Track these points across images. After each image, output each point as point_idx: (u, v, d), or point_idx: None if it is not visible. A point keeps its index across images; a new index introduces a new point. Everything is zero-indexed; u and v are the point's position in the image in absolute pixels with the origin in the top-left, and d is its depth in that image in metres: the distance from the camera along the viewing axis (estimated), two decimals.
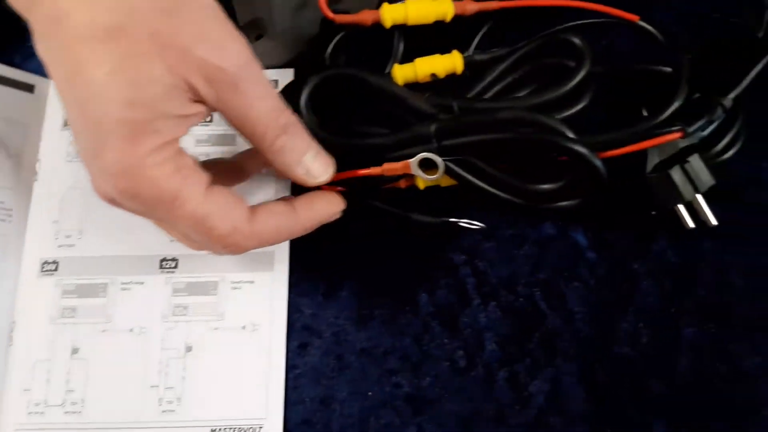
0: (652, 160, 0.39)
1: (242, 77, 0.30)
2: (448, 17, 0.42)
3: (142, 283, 0.42)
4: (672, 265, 0.41)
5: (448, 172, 0.39)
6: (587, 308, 0.41)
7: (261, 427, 0.39)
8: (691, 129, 0.38)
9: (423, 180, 0.41)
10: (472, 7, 0.42)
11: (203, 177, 0.31)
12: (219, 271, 0.42)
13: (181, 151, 0.30)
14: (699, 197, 0.39)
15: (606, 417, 0.39)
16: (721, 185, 0.40)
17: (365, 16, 0.41)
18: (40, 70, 0.48)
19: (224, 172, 0.38)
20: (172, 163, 0.29)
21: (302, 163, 0.35)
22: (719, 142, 0.41)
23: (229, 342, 0.40)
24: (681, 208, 0.40)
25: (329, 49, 0.43)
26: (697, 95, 0.40)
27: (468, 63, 0.42)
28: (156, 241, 0.42)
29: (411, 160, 0.39)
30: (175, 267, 0.42)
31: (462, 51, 0.43)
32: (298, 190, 0.43)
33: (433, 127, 0.38)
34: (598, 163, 0.37)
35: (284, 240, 0.36)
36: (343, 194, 0.42)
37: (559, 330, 0.40)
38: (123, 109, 0.28)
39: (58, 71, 0.29)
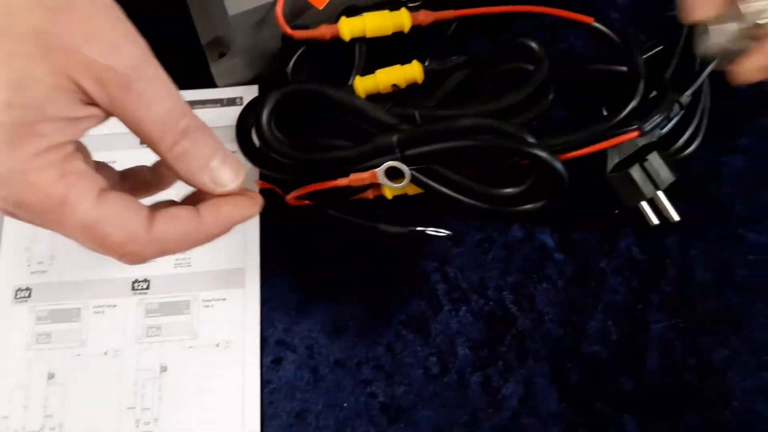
0: (612, 160, 0.40)
1: (135, 78, 0.28)
2: (406, 28, 0.42)
3: (114, 305, 0.42)
4: (638, 262, 0.42)
5: (414, 180, 0.40)
6: (557, 309, 0.41)
7: None
8: (647, 127, 0.39)
9: (390, 189, 0.42)
10: (428, 17, 0.43)
11: (95, 183, 0.29)
12: (191, 290, 0.42)
13: (70, 156, 0.29)
14: (660, 194, 0.40)
15: (579, 416, 0.39)
16: (683, 181, 0.41)
17: (324, 31, 0.42)
18: None
19: (140, 180, 0.36)
20: (56, 169, 0.28)
21: (207, 171, 0.32)
22: (679, 138, 0.42)
23: (204, 360, 0.41)
24: (644, 205, 0.40)
25: (290, 65, 0.43)
26: (654, 93, 0.40)
27: (428, 72, 0.43)
28: None
29: (377, 169, 0.39)
30: (147, 288, 0.42)
31: (422, 60, 0.43)
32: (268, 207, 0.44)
33: (394, 138, 0.39)
34: (559, 166, 0.38)
35: (190, 247, 0.33)
36: (312, 208, 0.42)
37: (529, 332, 0.41)
38: (3, 112, 0.27)
39: None
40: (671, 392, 0.39)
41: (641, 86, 0.40)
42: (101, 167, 0.33)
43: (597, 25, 0.42)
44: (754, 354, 0.40)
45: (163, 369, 0.41)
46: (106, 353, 0.41)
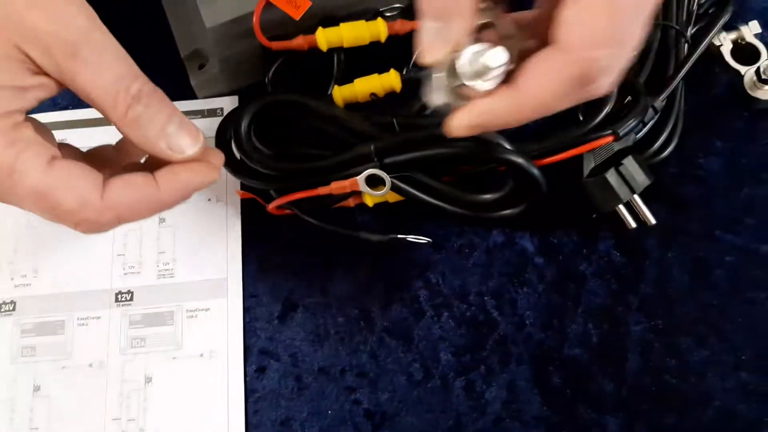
0: (588, 165, 0.40)
1: (82, 44, 0.28)
2: (383, 37, 0.43)
3: (98, 317, 0.42)
4: (617, 265, 0.42)
5: (394, 188, 0.40)
6: (538, 312, 0.42)
7: None
8: (622, 132, 0.39)
9: (371, 197, 0.42)
10: (404, 27, 0.43)
11: (45, 150, 0.29)
12: (174, 301, 0.42)
13: (19, 125, 0.29)
14: (636, 197, 0.40)
15: (562, 418, 0.39)
16: (660, 184, 0.41)
17: (301, 42, 0.42)
18: None
19: (105, 158, 0.35)
20: (3, 137, 0.28)
21: (163, 137, 0.31)
22: (655, 142, 0.42)
23: (189, 370, 0.41)
24: (622, 209, 0.41)
25: (269, 75, 0.43)
26: (629, 99, 0.41)
27: (406, 81, 0.43)
28: (111, 275, 0.43)
29: (358, 177, 0.40)
30: (131, 299, 0.43)
31: (400, 69, 0.43)
32: (250, 216, 0.44)
33: (372, 146, 0.39)
34: (536, 171, 0.38)
35: (147, 215, 0.32)
36: (293, 217, 0.42)
37: (511, 336, 0.41)
38: None
39: None
40: (652, 393, 0.40)
41: (615, 91, 0.40)
42: (63, 147, 0.33)
43: None
44: (732, 354, 0.40)
45: (148, 380, 0.41)
46: (91, 365, 0.41)
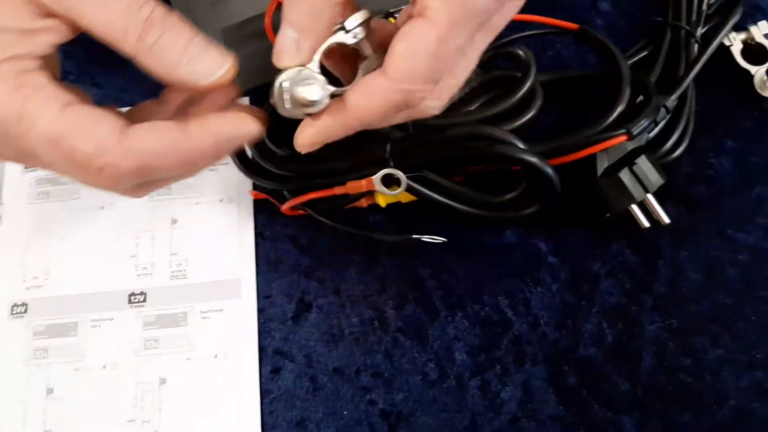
0: (602, 164, 0.40)
1: None
2: None
3: (111, 319, 0.42)
4: (631, 265, 0.42)
5: (408, 188, 0.40)
6: (552, 312, 0.42)
7: None
8: (635, 131, 0.39)
9: (384, 197, 0.42)
10: None
11: (59, 96, 0.28)
12: (188, 302, 0.42)
13: (29, 70, 0.27)
14: (650, 197, 0.41)
15: (577, 418, 0.39)
16: (672, 184, 0.42)
17: None
18: None
19: (147, 114, 0.33)
20: (8, 82, 0.27)
21: (186, 62, 0.29)
22: (666, 142, 0.43)
23: (203, 371, 0.41)
24: (635, 208, 0.41)
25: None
26: (640, 98, 0.41)
27: None
28: (123, 276, 0.43)
29: (374, 176, 0.40)
30: (144, 301, 0.42)
31: None
32: (262, 217, 0.44)
33: (388, 147, 0.39)
34: (550, 171, 0.38)
35: (173, 163, 0.29)
36: (307, 217, 0.43)
37: (526, 336, 0.41)
38: None
39: None
40: (667, 392, 0.40)
41: (628, 91, 0.41)
42: (107, 109, 0.30)
43: (586, 28, 0.43)
44: (746, 353, 0.40)
45: (162, 381, 0.41)
46: (104, 367, 0.41)
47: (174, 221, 0.44)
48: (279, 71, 0.31)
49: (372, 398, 0.40)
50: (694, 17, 0.45)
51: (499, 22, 0.31)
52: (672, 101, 0.42)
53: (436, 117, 0.42)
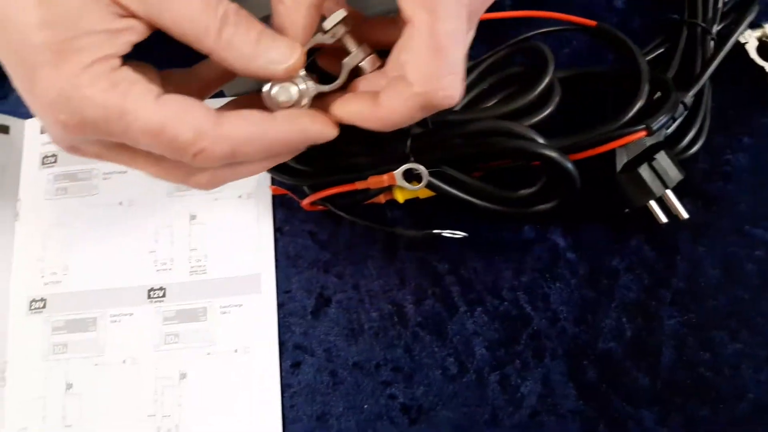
0: (621, 160, 0.41)
1: None
2: None
3: (131, 314, 0.42)
4: (649, 260, 0.42)
5: (427, 184, 0.40)
6: (571, 307, 0.42)
7: None
8: (655, 127, 0.39)
9: (403, 193, 0.42)
10: None
11: (151, 87, 0.29)
12: (207, 297, 0.42)
13: (118, 67, 0.28)
14: (669, 192, 0.41)
15: (597, 412, 0.40)
16: (689, 180, 0.42)
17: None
18: (13, 112, 0.48)
19: (176, 90, 0.33)
20: (106, 79, 0.28)
21: (260, 52, 0.30)
22: (684, 138, 0.43)
23: (223, 366, 0.41)
24: (653, 204, 0.41)
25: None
26: (659, 94, 0.41)
27: None
28: (142, 271, 0.43)
29: (396, 171, 0.40)
30: (163, 296, 0.42)
31: None
32: (280, 212, 0.44)
33: (408, 143, 0.40)
34: (570, 166, 0.38)
35: (260, 150, 0.31)
36: (326, 212, 0.43)
37: (545, 330, 0.41)
38: (39, 31, 0.27)
39: None
40: (686, 386, 0.40)
41: (646, 87, 0.41)
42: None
43: (603, 25, 0.43)
44: (765, 347, 0.40)
45: (183, 376, 0.41)
46: (124, 362, 0.41)
47: (193, 217, 0.44)
48: None
49: (392, 392, 0.40)
50: (710, 15, 0.45)
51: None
52: (689, 98, 0.42)
53: (456, 113, 0.42)
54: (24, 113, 0.48)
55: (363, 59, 0.34)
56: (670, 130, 0.42)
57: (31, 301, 0.43)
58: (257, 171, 0.34)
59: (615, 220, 0.43)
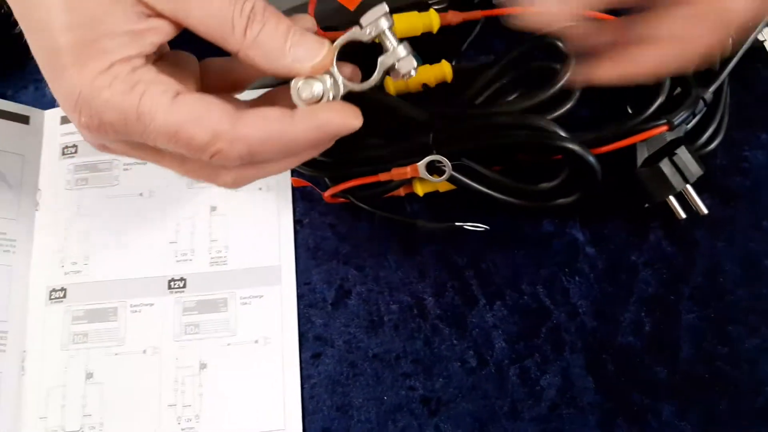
0: (642, 155, 0.41)
1: None
2: (435, 28, 0.43)
3: (152, 304, 0.42)
4: (668, 255, 0.43)
5: (448, 177, 0.41)
6: (590, 301, 0.42)
7: None
8: (676, 121, 0.40)
9: (423, 186, 0.42)
10: (456, 18, 0.43)
11: (168, 87, 0.29)
12: (228, 288, 0.42)
13: (138, 68, 0.28)
14: (689, 187, 0.41)
15: (616, 405, 0.40)
16: (708, 175, 0.42)
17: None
18: (33, 102, 0.48)
19: (217, 79, 0.34)
20: (124, 82, 0.28)
21: (288, 50, 0.30)
22: (703, 133, 0.43)
23: (243, 357, 0.41)
24: (672, 199, 0.41)
25: None
26: (678, 90, 0.42)
27: (457, 71, 0.44)
28: (163, 262, 0.43)
29: (419, 163, 0.40)
30: (184, 287, 0.43)
31: (451, 60, 0.44)
32: (301, 204, 0.44)
33: (430, 136, 0.40)
34: (592, 159, 0.39)
35: (279, 150, 0.30)
36: (347, 204, 0.43)
37: (564, 324, 0.42)
38: (65, 34, 0.27)
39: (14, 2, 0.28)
40: (705, 380, 0.40)
41: (668, 83, 0.41)
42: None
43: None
44: None
45: (203, 366, 0.41)
46: (144, 351, 0.41)
47: (213, 208, 0.44)
48: None
49: (412, 384, 0.40)
50: None
51: None
52: (709, 94, 0.42)
53: (478, 107, 0.42)
54: (44, 103, 0.48)
55: (400, 59, 0.32)
56: (689, 126, 0.43)
57: (51, 291, 0.43)
58: (282, 169, 0.33)
59: (634, 215, 0.43)
